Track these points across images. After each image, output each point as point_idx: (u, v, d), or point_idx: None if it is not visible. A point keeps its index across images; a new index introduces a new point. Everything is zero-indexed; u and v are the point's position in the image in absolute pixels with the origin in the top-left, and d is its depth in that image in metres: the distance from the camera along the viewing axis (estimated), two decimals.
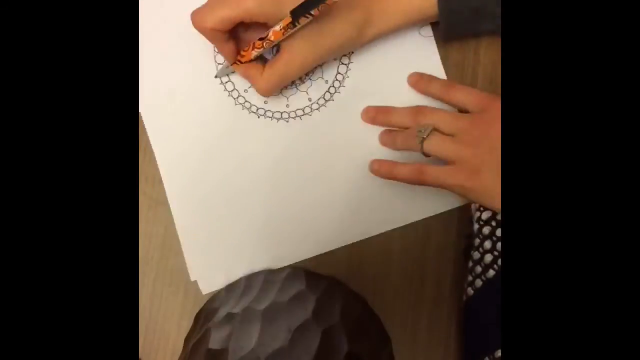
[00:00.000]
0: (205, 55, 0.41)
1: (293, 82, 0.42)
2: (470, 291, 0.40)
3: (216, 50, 0.41)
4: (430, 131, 0.37)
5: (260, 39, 0.36)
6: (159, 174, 0.42)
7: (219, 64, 0.42)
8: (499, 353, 0.37)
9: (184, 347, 0.41)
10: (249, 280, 0.41)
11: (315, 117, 0.42)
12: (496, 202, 0.35)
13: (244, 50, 0.38)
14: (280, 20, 0.34)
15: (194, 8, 0.36)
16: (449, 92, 0.40)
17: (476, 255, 0.39)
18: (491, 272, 0.38)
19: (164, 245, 0.42)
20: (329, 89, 0.42)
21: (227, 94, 0.41)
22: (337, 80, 0.42)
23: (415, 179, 0.38)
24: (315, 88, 0.42)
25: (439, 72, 0.42)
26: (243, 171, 0.41)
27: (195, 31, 0.36)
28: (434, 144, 0.37)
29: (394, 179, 0.40)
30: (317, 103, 0.42)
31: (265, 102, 0.42)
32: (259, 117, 0.42)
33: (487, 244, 0.39)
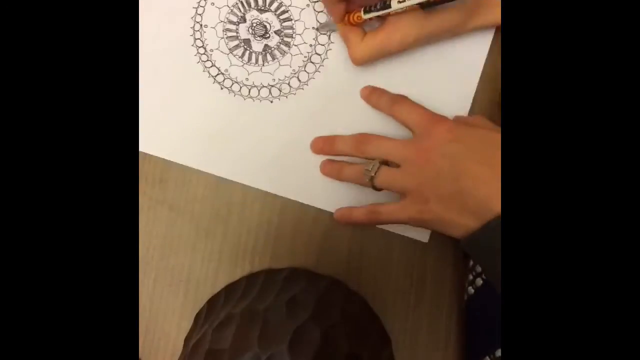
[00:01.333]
0: (186, 43, 0.42)
1: (275, 58, 0.42)
2: (471, 290, 0.40)
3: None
4: (378, 167, 0.36)
5: (374, 7, 0.37)
6: (159, 174, 0.42)
7: (200, 52, 0.42)
8: (499, 352, 0.38)
9: (184, 347, 0.41)
10: (249, 280, 0.41)
11: (301, 96, 0.42)
12: (452, 229, 0.34)
13: (353, 13, 0.38)
14: None
15: None
16: (393, 107, 0.39)
17: None
18: None
19: (164, 245, 0.42)
20: (310, 57, 0.42)
21: (212, 80, 0.42)
22: (317, 54, 0.42)
23: (371, 220, 0.39)
24: (295, 61, 0.42)
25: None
26: (230, 152, 0.42)
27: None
28: (382, 180, 0.37)
29: (353, 224, 0.41)
30: (299, 79, 0.42)
31: (246, 79, 0.42)
32: (244, 99, 0.42)
33: None
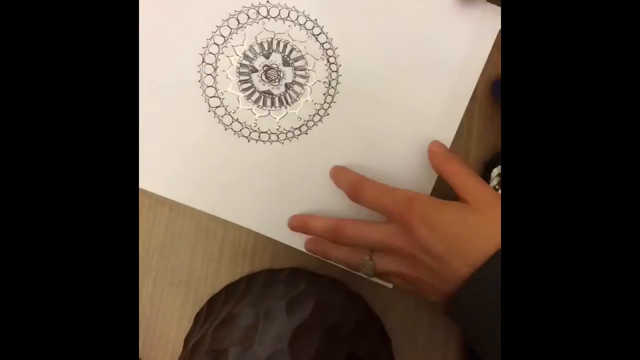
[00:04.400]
0: (193, 86, 0.41)
1: (282, 103, 0.42)
2: None
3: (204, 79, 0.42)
4: (372, 265, 0.36)
5: None
6: None
7: (206, 91, 0.42)
8: None
9: (184, 347, 0.41)
10: (249, 280, 0.41)
11: (304, 139, 0.42)
12: (434, 297, 0.35)
13: None
14: None
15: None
16: (356, 197, 0.37)
17: None
18: None
19: (164, 245, 0.42)
20: (318, 111, 0.42)
21: (218, 120, 0.41)
22: (326, 102, 0.42)
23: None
24: (305, 109, 0.42)
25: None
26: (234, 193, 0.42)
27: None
28: (378, 274, 0.37)
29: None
30: (307, 125, 0.42)
31: (254, 124, 0.41)
32: (249, 141, 0.41)
33: None
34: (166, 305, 0.41)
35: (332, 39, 0.42)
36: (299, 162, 0.42)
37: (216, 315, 0.38)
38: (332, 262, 0.40)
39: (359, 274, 0.37)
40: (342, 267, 0.39)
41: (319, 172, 0.42)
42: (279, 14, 0.42)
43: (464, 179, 0.35)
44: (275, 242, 0.42)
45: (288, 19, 0.42)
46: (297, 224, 0.40)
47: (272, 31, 0.42)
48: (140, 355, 0.41)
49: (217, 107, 0.42)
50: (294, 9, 0.42)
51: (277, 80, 0.42)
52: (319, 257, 0.40)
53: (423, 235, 0.33)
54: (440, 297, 0.34)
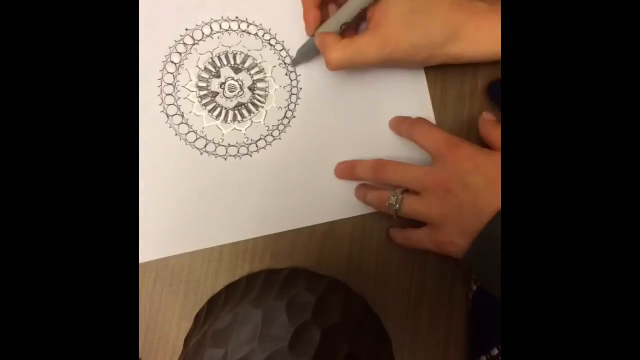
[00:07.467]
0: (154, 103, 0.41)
1: (250, 113, 0.42)
2: (474, 287, 0.40)
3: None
4: (401, 199, 0.37)
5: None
6: None
7: (169, 116, 0.42)
8: (495, 351, 0.38)
9: (184, 347, 0.41)
10: (249, 280, 0.41)
11: (276, 148, 0.42)
12: (453, 251, 0.36)
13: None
14: None
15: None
16: (411, 130, 0.39)
17: None
18: None
19: None
20: (285, 113, 0.42)
21: (179, 137, 0.41)
22: (291, 103, 0.42)
23: (405, 244, 0.40)
24: (270, 116, 0.42)
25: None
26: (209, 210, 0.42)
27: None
28: (405, 211, 0.37)
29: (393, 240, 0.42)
30: (272, 135, 0.42)
31: (221, 139, 0.41)
32: (226, 159, 0.42)
33: None
34: (166, 305, 0.41)
35: (283, 41, 0.42)
36: (278, 167, 0.42)
37: (216, 315, 0.38)
38: (369, 205, 0.41)
39: (387, 212, 0.38)
40: (375, 209, 0.41)
41: (300, 171, 0.42)
42: (230, 26, 0.42)
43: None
44: (275, 242, 0.42)
45: (239, 30, 0.42)
46: (343, 170, 0.42)
47: (227, 45, 0.42)
48: (140, 355, 0.41)
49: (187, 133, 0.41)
50: (245, 20, 0.42)
51: (239, 92, 0.42)
52: (360, 201, 0.41)
53: (467, 169, 0.34)
54: (461, 241, 0.34)
